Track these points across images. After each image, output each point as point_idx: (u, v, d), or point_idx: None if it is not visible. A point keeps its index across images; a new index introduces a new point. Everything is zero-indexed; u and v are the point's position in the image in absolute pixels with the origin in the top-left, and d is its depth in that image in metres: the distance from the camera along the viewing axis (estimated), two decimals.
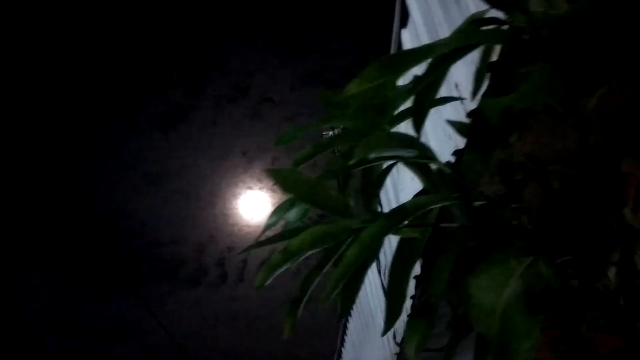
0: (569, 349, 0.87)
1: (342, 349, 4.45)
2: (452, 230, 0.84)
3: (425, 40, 1.53)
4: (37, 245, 8.01)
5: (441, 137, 1.47)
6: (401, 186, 1.91)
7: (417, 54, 0.54)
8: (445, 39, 0.59)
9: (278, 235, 0.78)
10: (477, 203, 0.73)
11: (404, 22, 1.78)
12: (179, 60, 8.31)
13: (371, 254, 0.85)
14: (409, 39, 1.73)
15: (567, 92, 0.60)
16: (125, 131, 8.44)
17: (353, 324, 3.87)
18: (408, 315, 0.82)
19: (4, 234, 7.67)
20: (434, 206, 0.79)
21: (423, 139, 1.39)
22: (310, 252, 0.74)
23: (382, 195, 2.26)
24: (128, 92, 8.15)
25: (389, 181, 2.17)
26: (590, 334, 0.84)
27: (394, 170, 1.45)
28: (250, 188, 9.31)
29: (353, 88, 0.50)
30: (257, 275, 0.70)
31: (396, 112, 0.82)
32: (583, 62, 0.64)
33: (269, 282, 0.71)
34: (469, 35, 0.56)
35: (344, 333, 4.26)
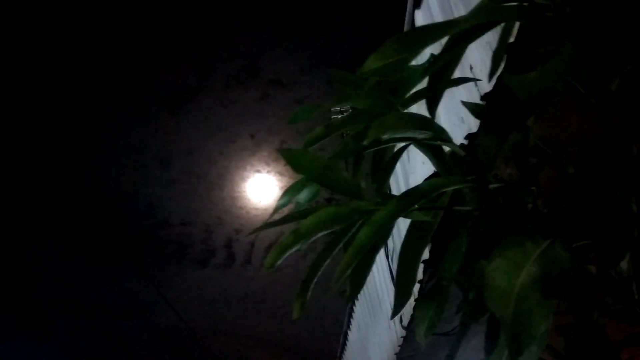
0: (580, 335, 0.86)
1: (348, 332, 4.49)
2: (464, 214, 0.83)
3: (439, 21, 1.49)
4: (48, 226, 8.12)
5: (454, 120, 1.45)
6: (411, 170, 1.89)
7: (435, 30, 0.52)
8: (464, 16, 0.57)
9: (288, 216, 0.78)
10: (492, 186, 0.72)
11: (417, 3, 1.75)
12: (188, 41, 8.28)
13: (382, 236, 0.85)
14: (423, 20, 1.69)
15: (590, 72, 0.58)
16: (134, 113, 8.47)
17: (359, 307, 3.89)
18: (416, 300, 0.81)
19: (16, 215, 7.78)
20: (447, 189, 0.78)
21: (435, 122, 1.36)
22: (321, 234, 0.74)
23: (392, 179, 2.24)
24: (137, 73, 8.15)
25: (398, 165, 2.15)
26: (602, 320, 0.83)
27: (404, 154, 1.43)
28: (258, 171, 9.34)
29: (370, 64, 0.49)
30: (268, 256, 0.70)
31: (410, 92, 0.80)
32: (606, 42, 0.62)
33: (279, 262, 0.71)
34: (489, 12, 0.54)
35: (350, 316, 4.30)
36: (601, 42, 0.59)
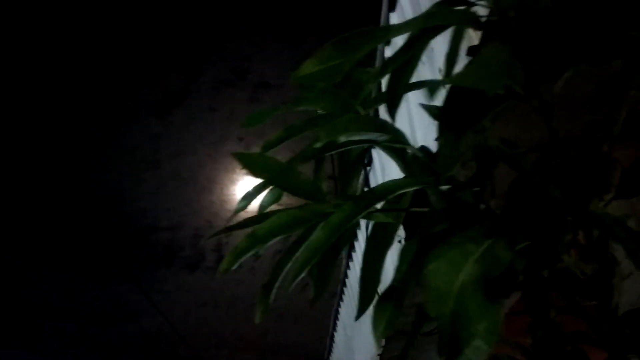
0: (544, 334, 0.87)
1: (335, 333, 4.50)
2: (422, 215, 0.83)
3: None
4: (35, 231, 8.04)
5: (427, 122, 1.46)
6: (387, 171, 1.90)
7: (373, 35, 0.53)
8: (409, 20, 0.58)
9: (248, 220, 0.78)
10: (444, 187, 0.73)
11: (392, 6, 1.76)
12: (176, 44, 8.25)
13: (343, 237, 0.85)
14: (397, 22, 1.71)
15: (531, 75, 0.59)
16: (121, 117, 8.42)
17: (344, 308, 3.90)
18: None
19: (2, 220, 7.69)
20: (403, 190, 0.79)
21: (408, 124, 1.39)
22: (278, 238, 0.74)
23: (372, 182, 2.27)
24: (124, 77, 8.10)
25: (378, 168, 2.17)
26: (558, 318, 0.84)
27: (382, 155, 1.42)
28: (247, 174, 9.23)
29: (306, 69, 0.49)
30: (223, 260, 0.70)
31: (366, 94, 0.81)
32: (550, 44, 0.63)
33: (235, 267, 0.71)
34: (430, 16, 0.55)
35: (336, 318, 4.31)
36: (543, 45, 0.60)
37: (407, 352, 0.67)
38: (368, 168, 2.28)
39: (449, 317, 0.49)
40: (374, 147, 1.05)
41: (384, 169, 1.99)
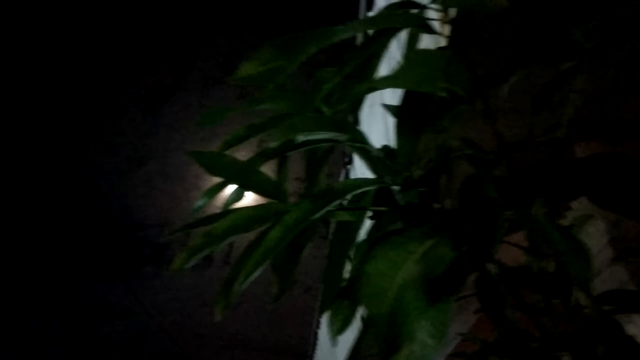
0: (508, 330, 0.89)
1: (318, 331, 4.52)
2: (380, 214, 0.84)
3: None
4: (21, 227, 7.95)
5: None
6: (364, 169, 1.91)
7: (316, 37, 0.53)
8: (355, 22, 0.58)
9: (206, 218, 0.78)
10: (394, 187, 0.73)
11: (369, 6, 1.77)
12: (164, 40, 8.18)
13: (304, 235, 0.86)
14: None
15: (476, 78, 0.60)
16: (109, 112, 8.35)
17: None
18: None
19: None
20: (363, 189, 0.79)
21: (383, 122, 1.40)
22: (235, 237, 0.74)
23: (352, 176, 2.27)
24: (112, 74, 8.03)
25: (357, 164, 2.18)
26: (516, 314, 0.86)
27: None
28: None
29: (245, 70, 0.50)
30: (175, 257, 0.70)
31: (325, 93, 0.81)
32: (495, 48, 0.64)
33: (189, 265, 0.71)
34: (382, 19, 0.55)
35: (319, 315, 4.32)
36: (488, 49, 0.61)
37: (357, 350, 0.68)
38: (349, 167, 2.29)
39: (386, 316, 0.50)
40: (341, 146, 1.06)
41: (362, 167, 2.00)
